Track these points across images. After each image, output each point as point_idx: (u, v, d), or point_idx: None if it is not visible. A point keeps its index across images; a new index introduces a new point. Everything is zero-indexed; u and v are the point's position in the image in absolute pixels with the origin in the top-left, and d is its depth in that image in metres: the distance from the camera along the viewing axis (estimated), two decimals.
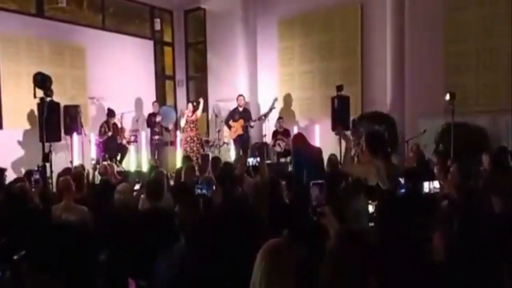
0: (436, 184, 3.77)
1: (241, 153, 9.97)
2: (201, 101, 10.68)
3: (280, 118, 10.26)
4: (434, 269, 2.80)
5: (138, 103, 11.30)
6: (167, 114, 10.89)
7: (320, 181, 3.61)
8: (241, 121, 10.20)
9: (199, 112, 10.55)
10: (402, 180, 4.22)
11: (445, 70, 8.85)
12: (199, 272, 2.87)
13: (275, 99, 10.28)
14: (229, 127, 10.35)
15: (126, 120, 10.24)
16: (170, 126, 10.95)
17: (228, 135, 10.65)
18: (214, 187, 4.36)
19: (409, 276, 2.61)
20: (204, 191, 4.06)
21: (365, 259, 1.87)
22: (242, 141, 10.19)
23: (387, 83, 9.34)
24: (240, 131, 10.18)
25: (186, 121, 10.27)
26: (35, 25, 9.49)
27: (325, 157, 7.00)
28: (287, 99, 10.92)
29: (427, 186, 3.74)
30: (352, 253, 1.83)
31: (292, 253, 2.08)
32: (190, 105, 10.57)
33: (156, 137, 10.60)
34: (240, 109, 10.31)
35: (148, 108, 11.03)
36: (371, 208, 3.61)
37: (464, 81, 8.54)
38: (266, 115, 10.24)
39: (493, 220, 3.35)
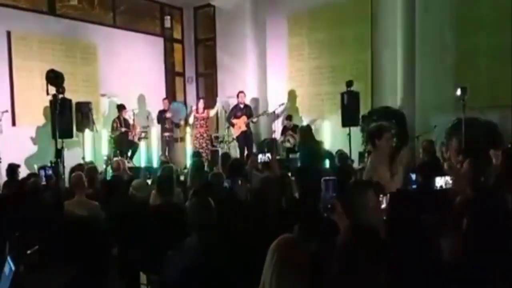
0: (448, 179, 3.74)
1: (245, 150, 9.99)
2: (218, 100, 10.74)
3: (288, 117, 10.26)
4: (444, 266, 2.79)
5: (149, 99, 11.36)
6: (178, 110, 10.94)
7: (331, 177, 3.62)
8: (244, 118, 10.20)
9: (212, 111, 10.61)
10: (413, 176, 4.20)
11: (456, 65, 8.76)
12: (210, 267, 2.89)
13: (282, 104, 10.38)
14: (232, 124, 10.36)
15: (137, 116, 10.31)
16: (181, 122, 10.97)
17: (233, 133, 10.69)
18: (240, 182, 4.40)
19: (419, 273, 2.61)
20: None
21: (375, 255, 1.87)
22: (245, 138, 10.19)
23: (398, 79, 9.26)
24: (244, 128, 10.18)
25: (197, 118, 10.29)
26: (47, 23, 9.58)
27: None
28: (297, 94, 10.90)
29: (439, 182, 3.70)
30: (362, 249, 1.83)
31: (303, 248, 2.08)
32: (202, 101, 10.58)
33: (167, 133, 10.66)
34: (241, 105, 10.31)
35: (159, 104, 11.09)
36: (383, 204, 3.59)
37: (475, 77, 8.46)
38: (268, 113, 10.27)
39: (507, 217, 3.32)
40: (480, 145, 6.47)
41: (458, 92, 6.75)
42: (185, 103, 12.26)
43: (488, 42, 8.51)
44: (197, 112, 10.38)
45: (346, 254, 1.84)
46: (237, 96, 10.45)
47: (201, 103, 10.46)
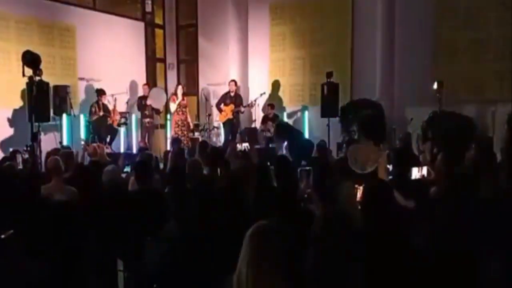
0: (424, 170, 3.83)
1: (230, 137, 10.01)
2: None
3: (270, 105, 10.29)
4: (420, 255, 2.87)
5: (129, 85, 11.22)
6: (158, 96, 10.82)
7: (307, 167, 3.68)
8: (232, 106, 10.20)
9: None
10: (389, 167, 4.28)
11: (434, 59, 8.91)
12: (189, 253, 2.92)
13: (263, 93, 10.41)
14: (220, 110, 10.36)
15: (117, 102, 10.18)
16: (161, 108, 10.85)
17: (218, 119, 10.66)
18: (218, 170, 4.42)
19: (395, 262, 2.67)
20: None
21: (350, 244, 1.90)
22: (231, 126, 10.21)
23: (377, 71, 9.38)
24: (230, 115, 10.19)
25: (179, 105, 10.19)
26: (24, 4, 9.33)
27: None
28: (278, 84, 10.93)
29: (415, 172, 3.79)
30: (336, 238, 1.86)
31: (279, 236, 2.10)
32: (180, 87, 10.48)
33: (147, 119, 10.56)
34: (232, 94, 10.29)
35: (139, 90, 10.96)
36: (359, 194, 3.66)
37: (452, 71, 8.62)
38: (252, 104, 10.34)
39: (480, 206, 3.41)
40: (455, 138, 6.61)
41: (435, 85, 6.87)
42: (165, 89, 12.15)
43: (466, 36, 8.67)
44: (174, 99, 10.23)
45: (319, 243, 1.88)
46: (228, 84, 10.42)
47: (179, 89, 10.34)
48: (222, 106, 10.31)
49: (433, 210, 3.23)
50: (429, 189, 3.70)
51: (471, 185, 3.72)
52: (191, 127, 10.48)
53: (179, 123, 10.18)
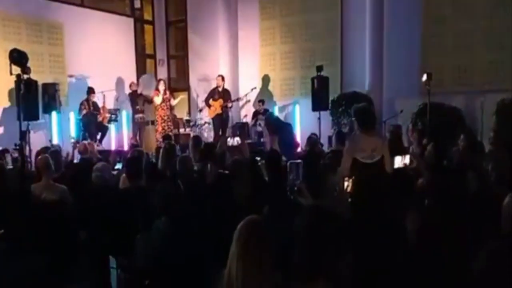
0: (407, 159, 3.86)
1: (220, 132, 10.01)
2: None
3: (260, 101, 10.30)
4: (407, 247, 2.90)
5: (119, 82, 11.17)
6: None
7: (297, 161, 3.70)
8: (220, 101, 10.18)
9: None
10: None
11: (422, 51, 8.96)
12: (180, 250, 2.93)
13: (254, 88, 10.43)
14: (209, 106, 10.35)
15: (107, 99, 10.12)
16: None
17: (207, 115, 10.64)
18: (209, 166, 4.42)
19: (383, 253, 2.70)
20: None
21: (337, 236, 1.92)
22: (221, 121, 10.21)
23: (366, 64, 9.41)
24: (219, 111, 10.17)
25: (163, 99, 10.12)
26: (11, 1, 9.23)
27: (305, 137, 7.08)
28: (268, 79, 10.93)
29: (398, 161, 3.82)
30: (322, 230, 1.87)
31: (269, 230, 2.12)
32: (162, 82, 10.36)
33: (139, 115, 10.51)
34: (220, 89, 10.28)
35: (128, 86, 10.91)
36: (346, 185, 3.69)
37: (441, 62, 8.68)
38: (242, 99, 10.38)
39: (465, 199, 3.45)
40: (444, 130, 6.67)
41: (424, 77, 6.91)
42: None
43: (454, 27, 8.72)
44: (157, 94, 10.14)
45: (307, 236, 1.89)
46: (216, 79, 10.39)
47: (161, 85, 10.19)
48: (210, 101, 10.29)
49: (421, 202, 3.26)
50: (414, 181, 3.73)
51: (459, 177, 3.76)
52: (173, 121, 10.43)
53: (165, 118, 10.14)
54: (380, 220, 3.05)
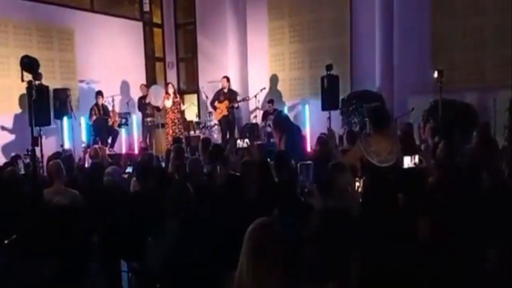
0: (416, 158, 3.80)
1: (227, 134, 10.00)
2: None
3: (269, 101, 10.27)
4: (418, 245, 2.86)
5: (129, 85, 11.23)
6: (157, 93, 10.77)
7: (307, 162, 3.67)
8: (226, 102, 10.17)
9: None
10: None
11: (433, 48, 8.87)
12: (191, 252, 2.92)
13: (263, 89, 10.43)
14: (215, 108, 10.34)
15: (117, 102, 10.19)
16: (161, 105, 10.73)
17: (214, 118, 10.65)
18: (218, 168, 4.42)
19: (393, 252, 2.67)
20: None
21: (347, 237, 1.90)
22: (227, 122, 10.19)
23: (376, 62, 9.34)
24: (225, 112, 10.15)
25: (173, 102, 10.15)
26: (22, 8, 9.34)
27: (315, 137, 7.03)
28: (277, 79, 10.91)
29: (407, 161, 3.77)
30: (333, 231, 1.86)
31: (280, 232, 2.10)
32: (170, 85, 10.38)
33: (149, 119, 10.55)
34: (225, 90, 10.27)
35: (139, 90, 10.97)
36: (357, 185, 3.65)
37: (452, 59, 8.58)
38: (248, 99, 10.39)
39: (478, 197, 3.40)
40: (457, 127, 6.59)
41: (435, 74, 6.84)
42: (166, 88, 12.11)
43: (465, 23, 8.62)
44: (167, 98, 10.17)
45: (318, 239, 1.88)
46: (221, 80, 10.40)
47: (170, 88, 10.21)
48: (216, 103, 10.28)
49: (432, 200, 3.22)
50: (425, 179, 3.67)
51: (471, 175, 3.71)
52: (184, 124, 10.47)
53: (176, 121, 10.16)
54: (391, 222, 3.02)
